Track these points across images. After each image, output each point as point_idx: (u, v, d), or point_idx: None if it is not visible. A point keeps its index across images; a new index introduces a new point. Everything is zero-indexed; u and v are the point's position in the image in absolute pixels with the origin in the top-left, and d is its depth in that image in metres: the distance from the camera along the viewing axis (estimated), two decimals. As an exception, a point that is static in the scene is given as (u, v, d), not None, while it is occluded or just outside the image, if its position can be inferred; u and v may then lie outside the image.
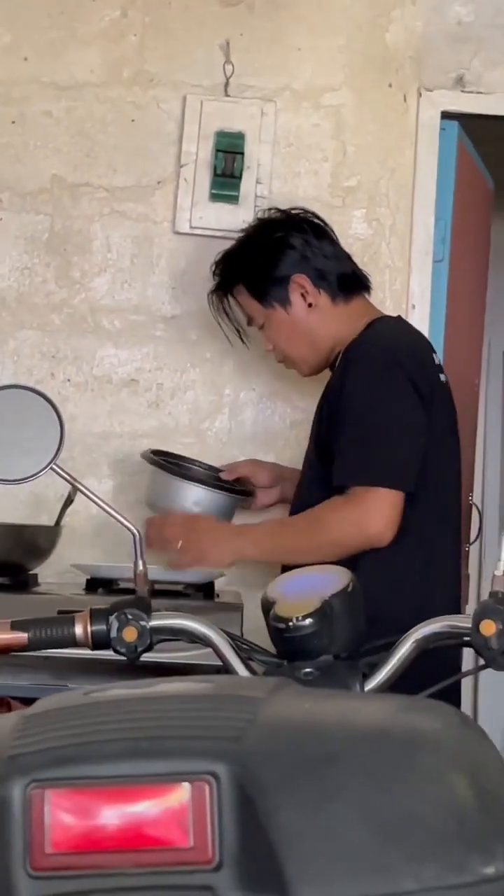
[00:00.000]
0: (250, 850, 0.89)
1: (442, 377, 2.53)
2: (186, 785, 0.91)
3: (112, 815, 0.90)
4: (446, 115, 3.22)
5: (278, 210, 2.72)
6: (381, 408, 2.38)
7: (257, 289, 2.63)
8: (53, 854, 0.90)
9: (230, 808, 0.90)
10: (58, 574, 2.90)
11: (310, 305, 2.59)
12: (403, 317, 3.00)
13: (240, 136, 3.11)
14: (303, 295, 2.59)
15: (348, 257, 2.70)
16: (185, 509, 2.72)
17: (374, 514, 2.31)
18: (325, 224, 2.71)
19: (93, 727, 0.95)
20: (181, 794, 0.90)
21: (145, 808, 0.90)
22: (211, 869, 0.90)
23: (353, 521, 2.34)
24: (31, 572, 2.72)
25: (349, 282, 2.63)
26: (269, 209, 2.76)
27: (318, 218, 2.71)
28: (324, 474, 2.42)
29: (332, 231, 2.72)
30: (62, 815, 0.90)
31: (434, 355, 2.55)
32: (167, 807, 0.90)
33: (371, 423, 2.38)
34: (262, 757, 0.91)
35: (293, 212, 2.71)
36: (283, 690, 1.04)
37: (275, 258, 2.61)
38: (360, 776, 0.92)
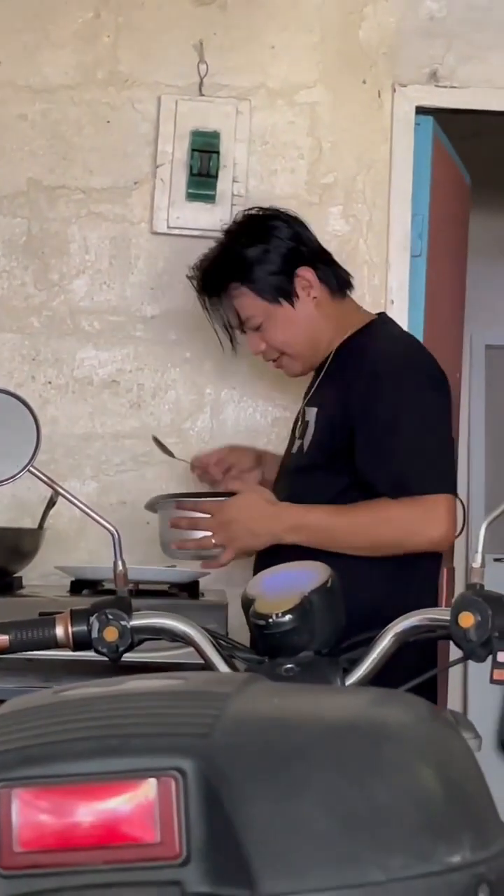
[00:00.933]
0: (218, 844, 0.90)
1: None
2: (153, 781, 0.91)
3: (80, 813, 0.91)
4: (421, 111, 3.23)
5: (259, 208, 2.66)
6: (429, 416, 2.40)
7: (261, 285, 2.55)
8: (22, 853, 0.90)
9: (197, 804, 0.91)
10: (42, 577, 2.90)
11: (314, 299, 2.55)
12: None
13: (215, 136, 3.11)
14: (308, 290, 2.54)
15: (331, 256, 2.69)
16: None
17: (441, 518, 2.32)
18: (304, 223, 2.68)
19: (60, 726, 0.95)
20: (147, 790, 0.91)
21: (112, 805, 0.91)
22: (178, 864, 0.90)
23: (416, 527, 2.33)
24: (15, 575, 2.71)
25: (343, 278, 2.62)
26: (250, 208, 2.67)
27: (298, 218, 2.67)
28: (331, 480, 2.41)
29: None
30: (30, 814, 0.90)
31: None
32: (134, 803, 0.90)
33: (423, 431, 2.39)
34: (228, 751, 0.92)
35: (281, 211, 2.64)
36: (252, 686, 1.04)
37: (276, 252, 2.55)
38: (326, 769, 0.92)
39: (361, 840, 0.90)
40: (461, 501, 3.16)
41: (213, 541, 2.45)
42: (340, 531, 2.40)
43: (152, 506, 2.64)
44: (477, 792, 0.97)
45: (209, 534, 2.46)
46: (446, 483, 2.35)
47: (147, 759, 0.92)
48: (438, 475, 2.35)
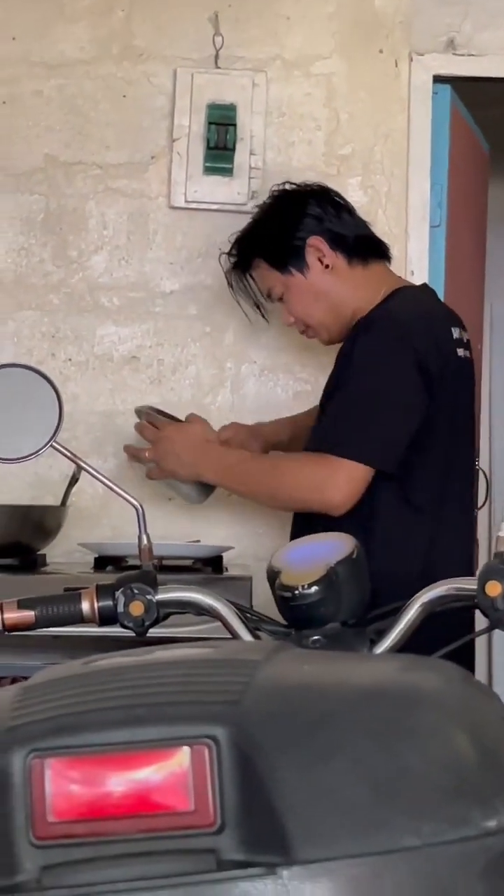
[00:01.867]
0: (251, 811, 0.90)
1: (461, 352, 2.50)
2: (186, 749, 0.91)
3: (113, 782, 0.91)
4: (438, 79, 3.21)
5: (292, 183, 2.70)
6: (377, 382, 2.38)
7: (275, 257, 2.60)
8: (55, 822, 0.90)
9: (230, 771, 0.91)
10: (66, 554, 2.90)
11: (326, 267, 2.56)
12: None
13: (232, 108, 3.09)
14: (320, 259, 2.56)
15: (366, 225, 2.69)
16: None
17: (338, 484, 2.32)
18: (341, 197, 2.70)
19: (91, 696, 0.95)
20: (181, 758, 0.91)
21: (146, 774, 0.91)
22: (213, 832, 0.90)
23: (316, 484, 2.36)
24: (38, 553, 2.72)
25: (365, 245, 2.61)
26: (283, 183, 2.72)
27: (335, 192, 2.70)
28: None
29: (349, 203, 2.71)
30: (63, 784, 0.90)
31: (454, 329, 2.52)
32: (168, 772, 0.90)
33: (363, 395, 2.38)
34: (260, 718, 0.92)
35: (308, 184, 2.70)
36: (282, 653, 1.04)
37: (291, 224, 2.59)
38: (359, 734, 0.92)
39: (395, 806, 0.89)
40: (484, 473, 3.15)
41: (147, 454, 2.64)
42: (249, 475, 2.51)
43: (138, 412, 2.81)
44: None
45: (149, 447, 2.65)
46: (361, 451, 2.32)
47: (179, 728, 0.92)
48: (356, 441, 2.33)
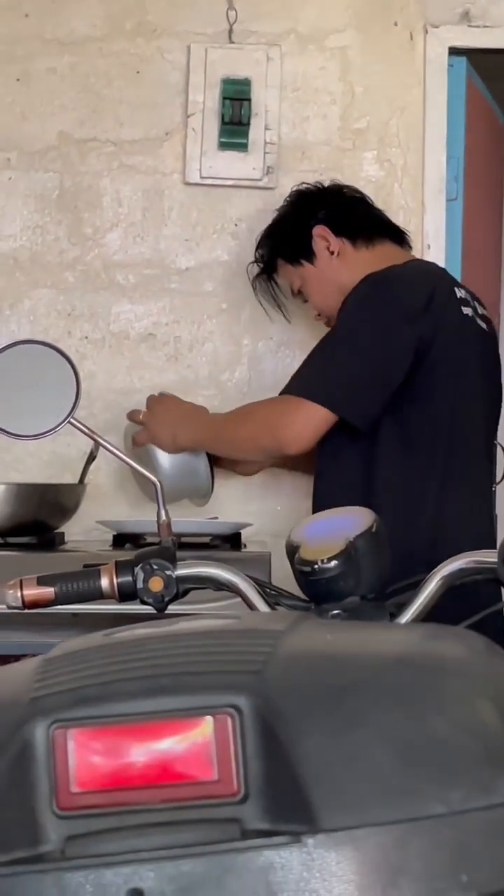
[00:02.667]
0: (276, 780, 0.89)
1: (467, 311, 2.49)
2: (209, 719, 0.91)
3: (136, 752, 0.91)
4: (454, 52, 3.18)
5: (308, 184, 2.80)
6: (352, 331, 2.40)
7: (288, 252, 2.70)
8: (79, 793, 0.90)
9: (254, 740, 0.90)
10: (84, 531, 2.91)
11: (333, 254, 2.63)
12: (420, 258, 2.98)
13: (246, 83, 3.07)
14: (327, 247, 2.64)
15: (382, 214, 2.75)
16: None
17: (292, 421, 2.34)
18: (358, 192, 2.76)
19: (114, 666, 0.95)
20: (204, 728, 0.90)
21: (169, 744, 0.90)
22: (237, 801, 0.90)
23: (271, 422, 2.40)
24: (57, 531, 2.72)
25: (368, 225, 2.64)
26: (300, 184, 2.81)
27: (351, 188, 2.77)
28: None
29: (366, 197, 2.76)
30: (86, 754, 0.90)
31: (458, 289, 2.52)
32: (191, 741, 0.90)
33: (334, 342, 2.41)
34: (283, 687, 0.91)
35: (322, 184, 2.79)
36: (304, 623, 1.03)
37: (301, 219, 2.68)
38: (384, 702, 0.92)
39: (421, 773, 0.89)
40: (502, 447, 3.14)
41: (141, 416, 2.70)
42: (218, 428, 2.59)
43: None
44: None
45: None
46: (321, 393, 2.33)
47: (202, 697, 0.92)
48: (317, 383, 2.35)
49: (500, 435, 2.78)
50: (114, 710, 0.92)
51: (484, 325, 2.56)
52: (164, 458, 2.67)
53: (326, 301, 2.62)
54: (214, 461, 2.77)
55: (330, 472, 2.48)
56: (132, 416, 2.74)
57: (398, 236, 2.71)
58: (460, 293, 2.51)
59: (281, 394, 2.43)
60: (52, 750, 0.91)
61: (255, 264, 2.87)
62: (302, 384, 2.36)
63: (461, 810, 0.88)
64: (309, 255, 2.65)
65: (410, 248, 2.78)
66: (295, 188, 2.80)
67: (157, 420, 2.67)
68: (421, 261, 2.76)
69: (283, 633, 0.99)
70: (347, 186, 2.77)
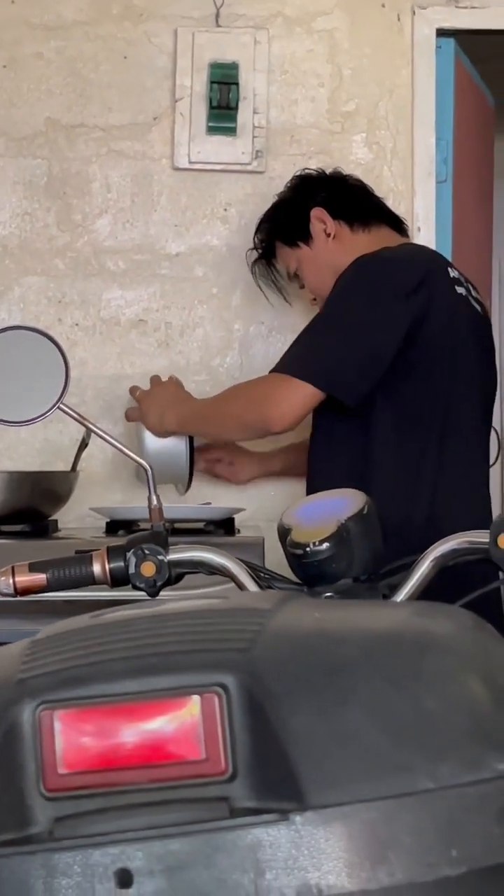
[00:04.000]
0: (264, 758, 0.89)
1: (460, 290, 2.49)
2: (196, 698, 0.90)
3: (123, 733, 0.90)
4: (442, 33, 3.17)
5: (311, 169, 2.81)
6: (340, 310, 2.39)
7: (286, 234, 2.70)
8: (67, 774, 0.90)
9: (241, 719, 0.90)
10: (77, 519, 2.90)
11: (329, 236, 2.63)
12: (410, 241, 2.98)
13: (234, 67, 3.06)
14: (324, 229, 2.64)
15: (381, 202, 2.75)
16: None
17: (278, 398, 2.33)
18: (359, 181, 2.77)
19: (100, 647, 0.95)
20: (191, 707, 0.90)
21: (156, 724, 0.90)
22: (225, 780, 0.90)
23: (257, 399, 2.39)
24: (50, 518, 2.72)
25: (366, 210, 2.64)
26: (303, 169, 2.82)
27: (354, 178, 2.77)
28: (326, 401, 2.40)
29: (367, 186, 2.77)
30: (73, 735, 0.90)
31: (451, 269, 2.52)
32: (178, 721, 0.90)
33: (323, 320, 2.41)
34: (271, 665, 0.91)
35: (325, 171, 2.79)
36: (294, 601, 1.03)
37: (300, 202, 2.69)
38: (372, 678, 0.92)
39: (410, 749, 0.89)
40: (496, 430, 3.13)
41: (137, 393, 2.73)
42: (206, 405, 2.60)
43: None
44: None
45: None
46: (303, 368, 2.32)
47: (189, 676, 0.91)
48: (303, 360, 2.34)
49: (496, 420, 2.78)
50: (100, 691, 0.91)
51: (478, 307, 2.56)
52: (148, 440, 2.67)
53: (321, 283, 2.61)
54: (211, 470, 2.83)
55: (325, 454, 2.48)
56: (132, 390, 2.77)
57: (396, 223, 2.71)
58: (453, 273, 2.51)
59: (269, 373, 2.43)
60: (38, 731, 0.90)
61: (254, 249, 2.86)
62: (288, 362, 2.36)
63: (450, 785, 0.88)
64: (306, 237, 2.65)
65: (408, 236, 2.78)
66: (297, 173, 2.80)
67: (150, 400, 2.69)
68: (414, 244, 2.75)
69: (271, 612, 0.99)
70: (350, 175, 2.77)
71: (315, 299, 2.72)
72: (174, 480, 2.77)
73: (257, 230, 2.82)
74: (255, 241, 2.84)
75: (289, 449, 2.93)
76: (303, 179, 2.77)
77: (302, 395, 2.31)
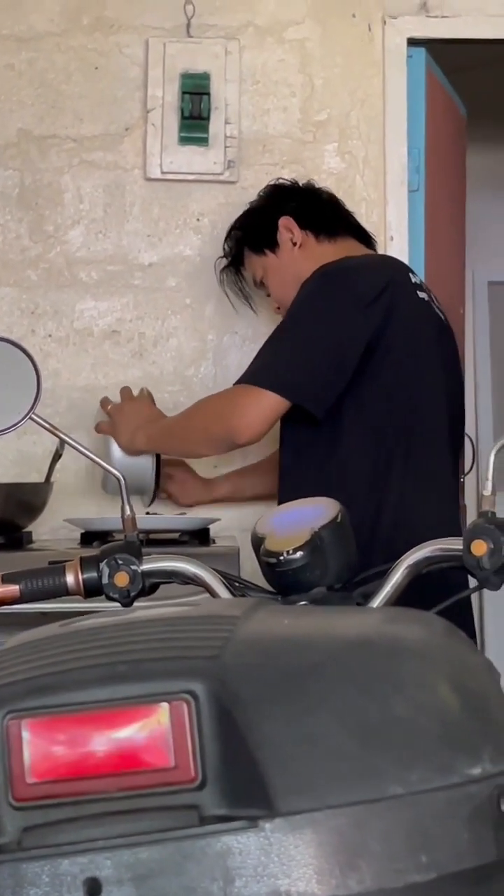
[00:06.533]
0: (233, 766, 0.89)
1: (422, 295, 2.49)
2: (165, 705, 0.90)
3: (91, 741, 0.90)
4: (412, 42, 3.18)
5: (285, 179, 2.83)
6: (300, 319, 2.39)
7: (253, 241, 2.71)
8: (35, 783, 0.89)
9: (210, 726, 0.90)
10: (52, 530, 2.89)
11: (295, 245, 2.63)
12: (383, 250, 2.98)
13: (205, 77, 3.07)
14: (290, 238, 2.64)
15: (350, 216, 2.75)
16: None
17: (242, 408, 2.33)
18: (331, 195, 2.77)
19: (68, 655, 0.94)
20: (160, 715, 0.90)
21: (125, 732, 0.90)
22: (194, 788, 0.89)
23: (222, 411, 2.39)
24: (24, 530, 2.71)
25: (334, 221, 2.65)
26: (276, 179, 2.84)
27: (325, 191, 2.78)
28: (292, 413, 2.40)
29: (338, 199, 2.77)
30: (41, 744, 0.89)
31: (412, 275, 2.52)
32: (147, 729, 0.89)
33: (283, 331, 2.41)
34: (240, 672, 0.91)
35: (298, 182, 2.81)
36: (263, 608, 1.03)
37: (269, 211, 2.70)
38: (342, 684, 0.91)
39: (379, 754, 0.89)
40: (470, 438, 3.12)
41: (108, 407, 2.73)
42: (172, 422, 2.61)
43: None
44: (496, 705, 0.96)
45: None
46: (267, 379, 2.31)
47: (158, 684, 0.91)
48: (267, 370, 2.34)
49: (469, 428, 2.79)
50: (68, 699, 0.91)
51: (441, 315, 2.56)
52: (116, 454, 2.68)
53: (285, 292, 2.61)
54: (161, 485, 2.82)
55: (295, 466, 2.47)
56: (103, 402, 2.76)
57: (363, 236, 2.72)
58: (415, 279, 2.52)
59: (234, 385, 2.43)
60: (6, 740, 0.90)
61: (223, 257, 2.87)
62: (252, 373, 2.36)
63: (420, 790, 0.88)
64: (273, 245, 2.66)
65: (374, 248, 2.77)
66: (271, 182, 2.82)
67: (123, 418, 2.69)
68: (377, 254, 2.76)
69: (240, 619, 0.98)
70: (323, 189, 2.79)
71: (279, 307, 2.73)
72: (139, 493, 2.77)
73: (227, 237, 2.84)
74: (224, 248, 2.86)
75: (238, 474, 2.97)
76: (275, 188, 2.78)
77: (266, 405, 2.31)
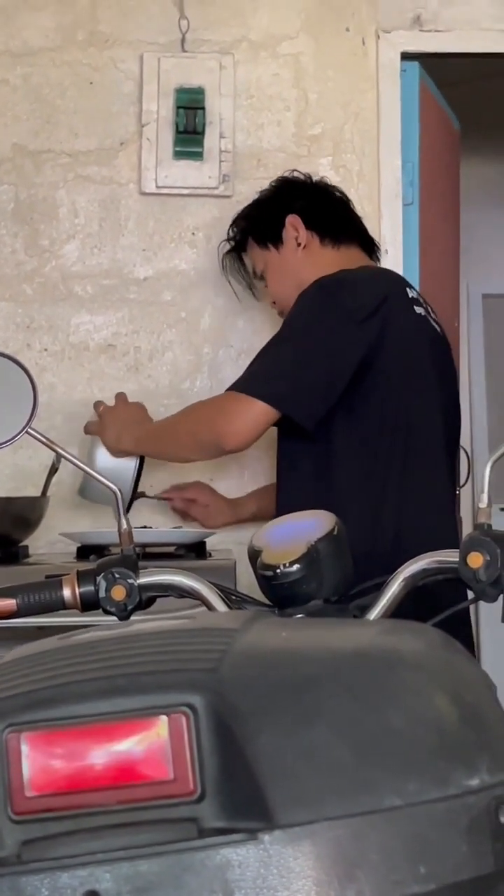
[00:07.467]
0: (232, 778, 0.89)
1: (419, 310, 2.49)
2: (164, 718, 0.90)
3: (91, 754, 0.90)
4: (406, 56, 3.20)
5: (300, 172, 2.80)
6: (295, 330, 2.38)
7: (258, 233, 2.70)
8: (34, 797, 0.90)
9: (209, 739, 0.90)
10: (48, 544, 2.89)
11: (299, 245, 2.62)
12: (377, 263, 2.99)
13: (200, 92, 3.08)
14: (295, 237, 2.63)
15: (359, 220, 2.74)
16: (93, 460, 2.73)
17: (231, 415, 2.32)
18: (343, 194, 2.76)
19: (67, 669, 0.94)
20: (159, 728, 0.90)
21: (124, 745, 0.90)
22: (193, 800, 0.90)
23: (211, 417, 2.39)
24: (21, 544, 2.71)
25: (339, 226, 2.65)
26: (291, 170, 2.82)
27: (338, 189, 2.77)
28: (287, 426, 2.40)
29: (348, 200, 2.76)
30: (40, 758, 0.89)
31: (409, 290, 2.52)
32: (146, 742, 0.90)
33: (277, 341, 2.40)
34: (238, 684, 0.91)
35: (312, 178, 2.79)
36: (261, 621, 1.03)
37: (278, 204, 2.68)
38: (339, 696, 0.92)
39: (377, 766, 0.89)
40: (465, 451, 3.12)
41: (101, 409, 2.75)
42: (161, 424, 2.62)
43: None
44: (493, 716, 0.96)
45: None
46: (258, 387, 2.31)
47: (156, 697, 0.91)
48: (256, 378, 2.34)
49: (464, 440, 2.79)
50: (67, 713, 0.91)
51: (437, 328, 2.57)
52: (99, 456, 2.68)
53: (283, 290, 2.62)
54: (186, 509, 2.85)
55: (290, 479, 2.47)
56: (97, 405, 2.78)
57: (368, 245, 2.71)
58: (412, 294, 2.52)
59: (225, 391, 2.43)
60: (5, 754, 0.90)
61: (227, 241, 2.85)
62: (243, 381, 2.36)
63: (417, 802, 0.88)
64: (277, 241, 2.65)
65: (377, 260, 2.78)
66: (284, 174, 2.80)
67: (112, 418, 2.71)
68: (375, 266, 2.75)
69: (238, 632, 0.99)
70: (335, 187, 2.77)
71: (275, 303, 2.72)
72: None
73: (233, 223, 2.82)
74: (229, 233, 2.83)
75: (262, 493, 2.93)
76: (287, 182, 2.77)
77: (256, 413, 2.31)
